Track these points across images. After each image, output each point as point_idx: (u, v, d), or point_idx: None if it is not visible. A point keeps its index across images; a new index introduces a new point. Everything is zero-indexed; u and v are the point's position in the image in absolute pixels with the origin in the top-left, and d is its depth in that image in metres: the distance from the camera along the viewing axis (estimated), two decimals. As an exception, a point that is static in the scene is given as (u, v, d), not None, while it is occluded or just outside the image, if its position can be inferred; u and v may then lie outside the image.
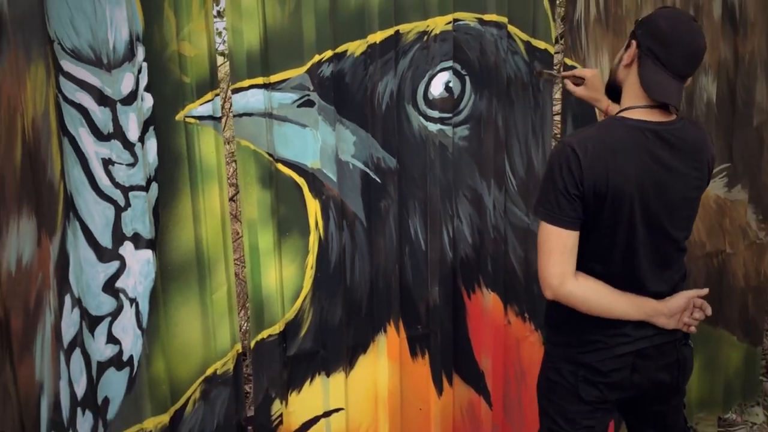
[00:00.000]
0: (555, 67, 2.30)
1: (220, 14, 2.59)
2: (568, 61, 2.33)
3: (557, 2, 2.31)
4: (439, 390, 2.37)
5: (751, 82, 2.67)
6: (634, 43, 1.79)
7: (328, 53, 2.01)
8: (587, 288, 1.79)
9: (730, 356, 2.93)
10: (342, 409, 2.25)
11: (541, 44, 2.25)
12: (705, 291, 1.90)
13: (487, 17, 2.17)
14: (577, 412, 1.89)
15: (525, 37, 2.24)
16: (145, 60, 1.81)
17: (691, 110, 2.56)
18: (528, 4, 2.22)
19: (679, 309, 1.85)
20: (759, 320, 2.99)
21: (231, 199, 2.19)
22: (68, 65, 1.73)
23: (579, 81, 2.09)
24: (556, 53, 2.40)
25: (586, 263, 1.79)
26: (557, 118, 2.67)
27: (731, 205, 2.74)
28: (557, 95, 2.63)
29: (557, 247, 1.78)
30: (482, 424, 2.45)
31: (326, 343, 2.19)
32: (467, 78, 2.20)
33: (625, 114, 1.79)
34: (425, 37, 2.12)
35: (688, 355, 1.95)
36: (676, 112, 1.80)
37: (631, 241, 1.79)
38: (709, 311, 1.89)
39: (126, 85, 1.79)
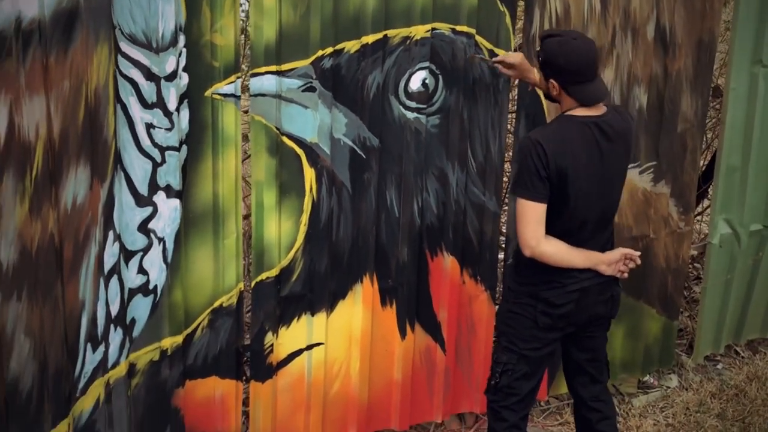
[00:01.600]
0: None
1: (246, 13, 3.08)
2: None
3: (516, 18, 2.86)
4: (403, 335, 2.91)
5: (677, 95, 3.24)
6: (552, 82, 2.39)
7: (329, 49, 2.52)
8: (555, 247, 2.40)
9: (650, 327, 3.50)
10: (322, 343, 2.78)
11: (501, 52, 2.79)
12: (637, 253, 2.55)
13: (459, 28, 2.71)
14: (531, 335, 2.51)
15: (489, 45, 2.78)
16: (184, 46, 2.31)
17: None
18: (493, 19, 2.76)
19: (615, 260, 2.50)
20: (677, 298, 3.57)
21: (243, 162, 2.69)
22: (125, 47, 2.22)
23: (508, 65, 2.64)
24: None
25: (550, 227, 2.39)
26: (512, 114, 3.21)
27: (656, 198, 3.32)
28: (513, 96, 3.16)
29: (533, 217, 2.37)
30: (436, 367, 3.00)
31: (313, 288, 2.71)
32: (440, 77, 2.73)
33: (572, 113, 2.40)
34: (408, 41, 2.64)
35: (618, 293, 2.61)
36: (607, 100, 2.43)
37: (583, 208, 2.41)
38: (638, 261, 2.56)
39: (169, 66, 2.29)
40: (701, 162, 3.83)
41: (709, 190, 3.98)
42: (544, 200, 2.37)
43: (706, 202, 4.39)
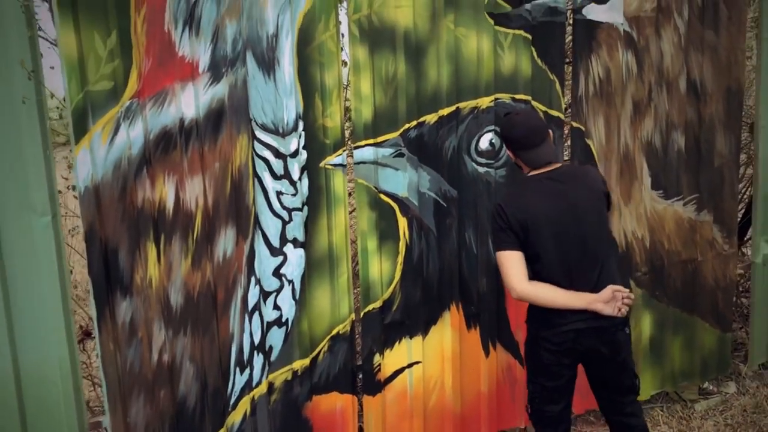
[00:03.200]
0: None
1: (348, 100, 3.68)
2: (574, 124, 3.38)
3: (564, 83, 3.36)
4: (486, 353, 3.38)
5: (711, 136, 3.66)
6: (509, 152, 2.76)
7: (414, 122, 3.06)
8: (536, 288, 2.62)
9: (705, 339, 3.86)
10: (420, 362, 3.26)
11: (554, 113, 3.30)
12: (626, 289, 2.65)
13: (518, 96, 3.22)
14: (543, 370, 2.71)
15: (543, 108, 3.28)
16: (303, 129, 2.90)
17: (666, 157, 3.56)
18: (545, 87, 3.26)
19: (607, 297, 2.60)
20: (727, 313, 3.92)
21: (350, 215, 3.24)
22: (259, 133, 2.82)
23: None
24: (566, 118, 3.45)
25: (537, 275, 2.64)
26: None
27: (700, 225, 3.72)
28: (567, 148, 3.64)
29: (511, 263, 2.61)
30: (517, 380, 3.44)
31: (410, 315, 3.21)
32: (504, 136, 3.25)
33: (530, 174, 2.71)
34: (476, 110, 3.16)
35: (622, 338, 2.70)
36: (556, 160, 2.75)
37: (559, 251, 2.60)
38: (633, 298, 2.66)
39: (292, 146, 2.88)
40: (745, 192, 4.20)
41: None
42: (515, 248, 2.61)
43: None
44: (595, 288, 2.63)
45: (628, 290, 2.67)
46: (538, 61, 3.22)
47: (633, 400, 2.83)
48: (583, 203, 2.65)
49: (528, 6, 3.14)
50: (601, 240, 2.69)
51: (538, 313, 2.70)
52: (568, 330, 2.63)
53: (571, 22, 3.30)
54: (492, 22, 3.10)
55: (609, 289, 2.62)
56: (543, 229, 2.61)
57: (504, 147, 3.05)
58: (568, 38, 3.40)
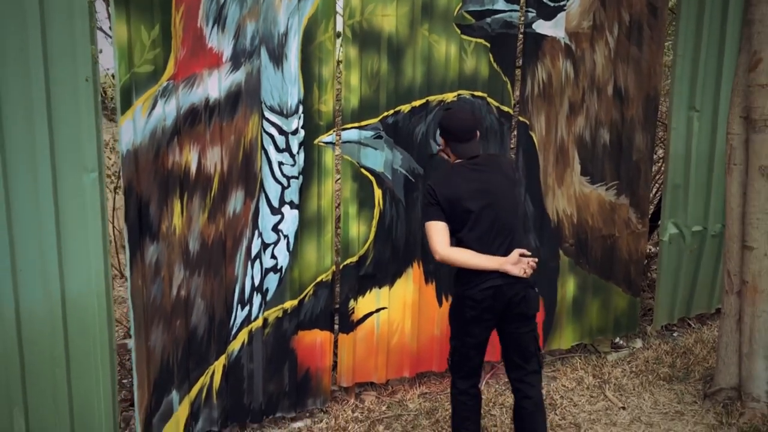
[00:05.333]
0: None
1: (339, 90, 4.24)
2: (521, 119, 4.02)
3: (515, 84, 4.00)
4: (440, 303, 4.01)
5: (631, 133, 4.35)
6: (442, 139, 3.14)
7: (391, 111, 3.66)
8: (455, 252, 2.99)
9: (618, 302, 4.58)
10: (386, 308, 3.89)
11: (505, 108, 3.94)
12: (528, 252, 3.00)
13: (476, 93, 3.84)
14: (465, 328, 3.07)
15: (496, 104, 3.91)
16: (302, 112, 3.46)
17: (593, 150, 4.24)
18: (498, 86, 3.89)
19: (515, 260, 2.95)
20: (638, 281, 4.63)
21: (336, 184, 3.80)
22: (267, 114, 3.38)
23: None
24: (514, 113, 4.08)
25: (460, 243, 3.01)
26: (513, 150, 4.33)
27: (619, 207, 4.42)
28: (514, 138, 4.29)
29: (435, 231, 3.00)
30: (464, 326, 4.10)
31: (380, 269, 3.82)
32: (464, 126, 3.87)
33: (453, 163, 3.12)
34: (442, 103, 3.78)
35: (532, 295, 3.04)
36: (477, 154, 3.12)
37: (478, 223, 2.98)
38: (534, 264, 2.99)
39: (293, 125, 3.44)
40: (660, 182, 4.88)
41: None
42: (440, 219, 2.99)
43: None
44: (506, 254, 3.00)
45: (534, 258, 3.04)
46: (494, 65, 3.84)
47: (534, 371, 3.13)
48: (497, 185, 3.06)
49: (488, 20, 3.76)
50: (512, 214, 3.08)
51: (462, 276, 3.05)
52: (486, 287, 2.97)
53: (522, 34, 3.94)
54: (459, 31, 3.71)
55: (516, 253, 2.99)
56: (465, 205, 3.00)
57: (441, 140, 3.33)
58: (520, 47, 4.03)
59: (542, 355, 3.19)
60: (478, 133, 3.16)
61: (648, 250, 4.82)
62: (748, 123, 3.67)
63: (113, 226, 4.39)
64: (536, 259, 3.04)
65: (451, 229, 3.03)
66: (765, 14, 3.55)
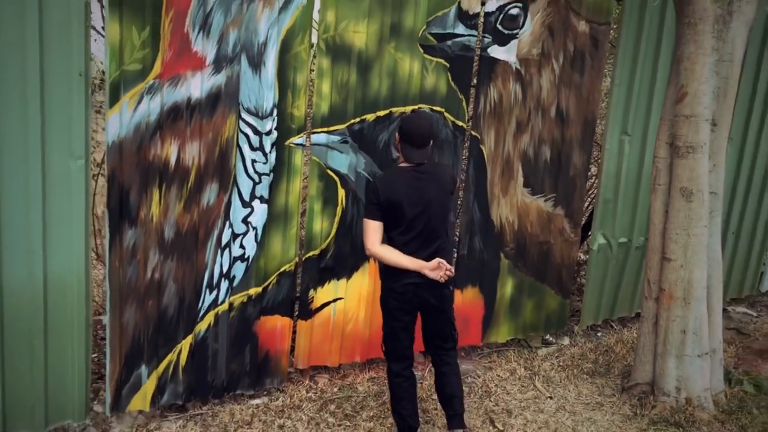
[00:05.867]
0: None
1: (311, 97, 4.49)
2: (473, 133, 4.35)
3: (469, 101, 4.33)
4: (391, 297, 4.32)
5: (569, 152, 4.73)
6: (398, 135, 3.35)
7: (358, 119, 3.93)
8: (384, 250, 3.32)
9: (550, 303, 4.96)
10: (342, 298, 4.16)
11: (460, 123, 4.26)
12: (448, 264, 3.30)
13: (435, 107, 4.15)
14: (391, 315, 3.42)
15: (452, 119, 4.23)
16: (276, 115, 3.71)
17: (535, 164, 4.60)
18: (455, 104, 4.21)
19: (433, 266, 3.28)
20: (568, 284, 5.02)
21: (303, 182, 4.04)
22: (244, 115, 3.61)
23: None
24: (467, 128, 4.41)
25: (391, 241, 3.32)
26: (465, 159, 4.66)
27: (555, 217, 4.80)
28: (465, 151, 4.62)
29: (370, 229, 3.31)
30: (411, 319, 4.41)
31: (339, 263, 4.10)
32: (421, 136, 4.17)
33: (400, 165, 3.38)
34: (403, 114, 4.08)
35: (447, 293, 3.40)
36: (424, 161, 3.35)
37: (411, 226, 3.30)
38: (452, 273, 3.31)
39: (267, 126, 3.68)
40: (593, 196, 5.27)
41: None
42: (378, 219, 3.30)
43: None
44: (429, 257, 3.32)
45: (451, 267, 3.35)
46: (452, 84, 4.16)
47: (451, 347, 3.55)
48: (433, 194, 3.34)
49: (449, 42, 4.08)
50: (441, 222, 3.38)
51: (388, 271, 3.39)
52: (408, 283, 3.34)
53: (478, 57, 4.27)
54: (422, 51, 4.02)
55: (435, 261, 3.32)
56: (402, 208, 3.29)
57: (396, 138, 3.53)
58: (475, 69, 4.36)
59: (457, 332, 3.58)
60: (431, 143, 3.41)
61: (579, 257, 5.22)
62: (673, 149, 4.07)
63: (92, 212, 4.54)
64: (452, 268, 3.36)
65: (385, 227, 3.36)
66: (692, 53, 3.95)
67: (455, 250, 4.38)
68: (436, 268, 3.31)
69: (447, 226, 3.45)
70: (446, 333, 3.53)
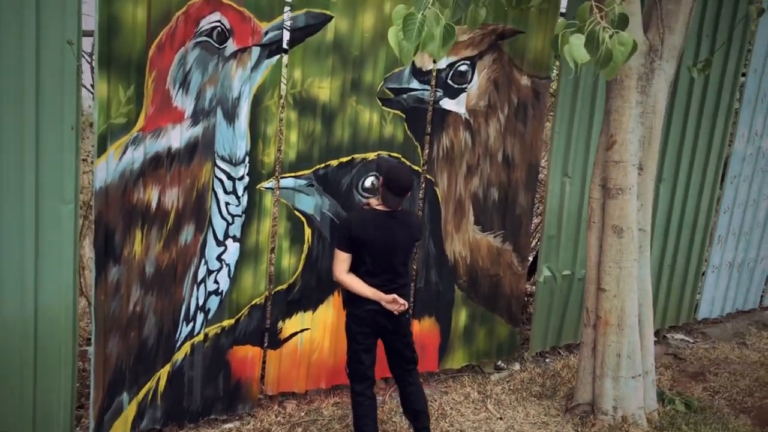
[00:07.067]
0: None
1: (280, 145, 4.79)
2: (428, 176, 4.68)
3: (424, 148, 4.66)
4: (354, 326, 4.58)
5: (515, 193, 5.07)
6: (381, 180, 3.69)
7: (323, 165, 4.22)
8: (349, 279, 3.68)
9: (501, 331, 5.24)
10: (309, 329, 4.41)
11: (416, 167, 4.58)
12: (395, 296, 3.67)
13: (393, 154, 4.46)
14: (354, 339, 3.75)
15: (408, 163, 4.53)
16: (248, 162, 3.99)
17: (485, 204, 4.94)
18: (411, 150, 4.52)
19: (389, 300, 3.66)
20: (518, 314, 5.31)
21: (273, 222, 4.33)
22: (219, 162, 3.87)
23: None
24: (423, 172, 4.73)
25: (358, 272, 3.67)
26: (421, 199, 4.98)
27: (503, 251, 5.11)
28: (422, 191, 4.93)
29: (339, 259, 3.68)
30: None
31: (306, 296, 4.35)
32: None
33: (376, 207, 3.76)
34: (363, 160, 4.38)
35: (404, 321, 3.76)
36: (399, 209, 3.77)
37: (377, 262, 3.67)
38: (406, 306, 3.71)
39: (240, 172, 3.95)
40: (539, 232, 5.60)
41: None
42: (346, 251, 3.66)
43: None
44: (388, 291, 3.70)
45: (405, 302, 3.75)
46: (408, 132, 4.49)
47: (413, 369, 3.88)
48: (400, 239, 3.74)
49: (405, 96, 4.41)
50: (402, 264, 3.78)
51: (352, 298, 3.75)
52: (368, 309, 3.70)
53: (431, 108, 4.61)
54: (380, 103, 4.35)
55: (392, 296, 3.70)
56: (369, 249, 3.67)
57: (379, 183, 3.91)
58: (429, 119, 4.70)
59: (416, 354, 3.89)
60: (409, 193, 3.79)
61: (527, 289, 5.53)
62: (605, 190, 4.42)
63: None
64: (407, 304, 3.72)
65: (352, 262, 3.70)
66: (619, 106, 4.33)
67: (413, 283, 4.67)
68: (392, 302, 3.68)
69: (408, 269, 3.79)
70: (406, 355, 3.87)
